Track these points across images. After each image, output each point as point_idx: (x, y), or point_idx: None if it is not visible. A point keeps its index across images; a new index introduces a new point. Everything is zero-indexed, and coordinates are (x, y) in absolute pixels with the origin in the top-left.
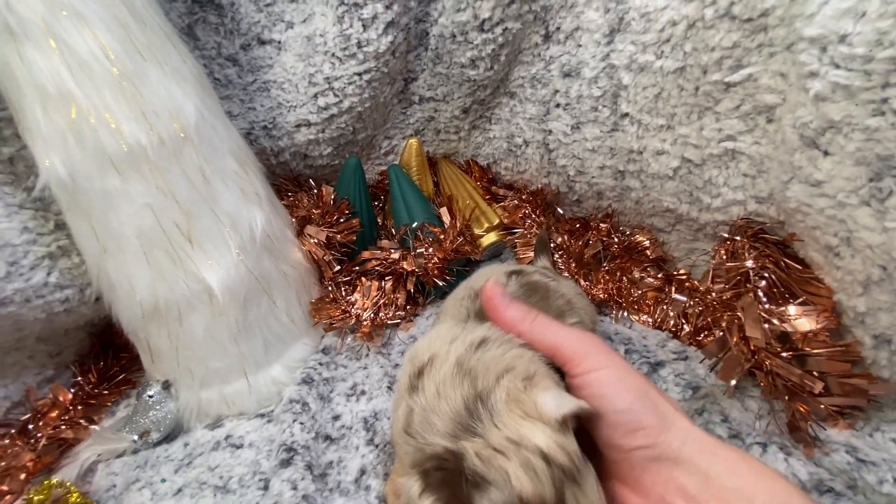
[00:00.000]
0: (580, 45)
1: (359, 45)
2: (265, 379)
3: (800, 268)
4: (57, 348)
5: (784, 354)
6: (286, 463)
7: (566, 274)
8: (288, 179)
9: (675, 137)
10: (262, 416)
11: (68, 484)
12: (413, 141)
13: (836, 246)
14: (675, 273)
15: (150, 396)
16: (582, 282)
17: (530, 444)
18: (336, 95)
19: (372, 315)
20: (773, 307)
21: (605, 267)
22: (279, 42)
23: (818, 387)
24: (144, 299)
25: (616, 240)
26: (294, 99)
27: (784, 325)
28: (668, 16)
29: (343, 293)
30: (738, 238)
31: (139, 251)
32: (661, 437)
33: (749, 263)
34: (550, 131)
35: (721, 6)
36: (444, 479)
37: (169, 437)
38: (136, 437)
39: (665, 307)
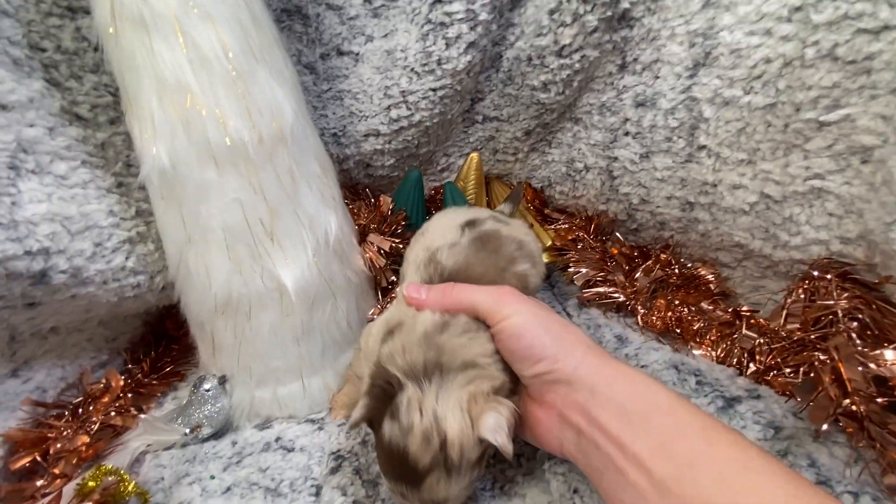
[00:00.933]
0: (658, 77)
1: (438, 63)
2: (318, 383)
3: (894, 311)
4: (113, 333)
5: (879, 400)
6: (335, 470)
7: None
8: (345, 188)
9: (756, 173)
10: (313, 422)
11: (122, 472)
12: (474, 155)
13: None
14: (740, 309)
15: (207, 390)
16: (640, 309)
17: (442, 429)
18: (409, 109)
19: None
20: (866, 350)
21: (668, 297)
22: (357, 54)
23: None
24: (219, 292)
25: (676, 271)
26: (367, 109)
27: (881, 369)
28: (762, 53)
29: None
30: (827, 276)
31: (222, 244)
32: (557, 364)
33: (843, 303)
34: (616, 158)
35: (824, 47)
36: (380, 396)
37: (217, 434)
38: (188, 431)
39: (729, 343)
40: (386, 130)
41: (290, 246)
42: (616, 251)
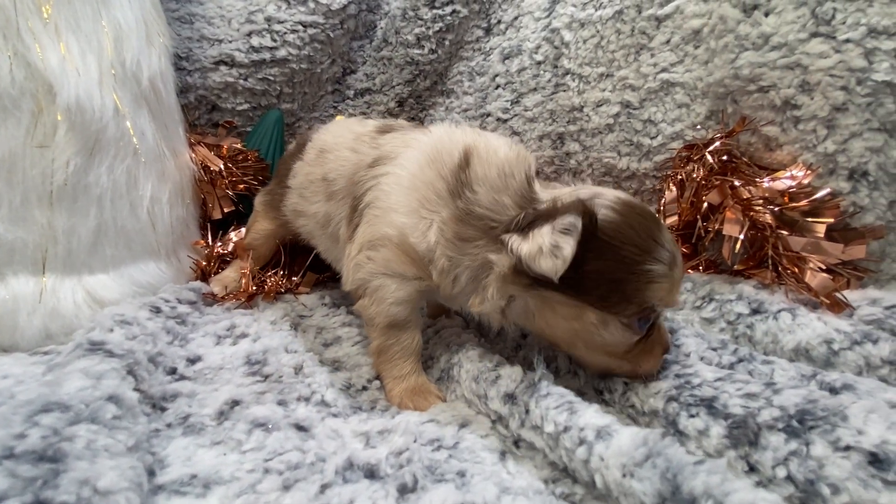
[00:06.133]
0: (520, 29)
1: None
2: (74, 289)
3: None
4: None
5: (784, 232)
6: (87, 349)
7: None
8: None
9: (615, 83)
10: (46, 354)
11: None
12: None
13: (792, 97)
14: None
15: None
16: None
17: None
18: (274, 39)
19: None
20: (751, 188)
21: None
22: None
23: (839, 249)
24: None
25: None
26: (222, 34)
27: (770, 185)
28: None
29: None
30: (690, 152)
31: None
32: None
33: (716, 144)
34: (488, 114)
35: None
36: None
37: None
38: None
39: None
40: (243, 59)
41: (74, 44)
42: None
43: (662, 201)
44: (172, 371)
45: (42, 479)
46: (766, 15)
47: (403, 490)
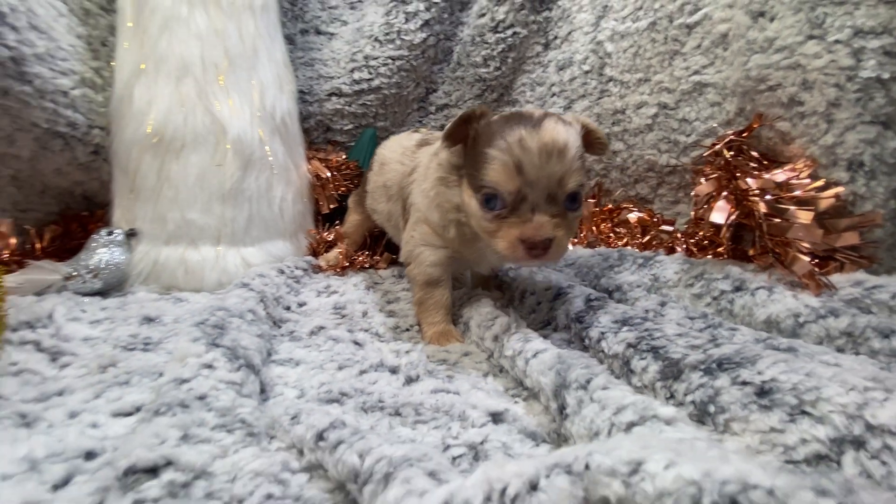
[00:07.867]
0: (572, 43)
1: (398, 34)
2: (235, 256)
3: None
4: (26, 202)
5: (768, 197)
6: (240, 286)
7: None
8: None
9: (652, 87)
10: (219, 294)
11: None
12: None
13: (796, 94)
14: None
15: (109, 234)
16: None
17: None
18: (370, 73)
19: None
20: (749, 180)
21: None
22: (333, 34)
23: (819, 234)
24: (157, 122)
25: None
26: (333, 72)
27: (769, 177)
28: None
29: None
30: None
31: (173, 75)
32: None
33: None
34: None
35: None
36: None
37: (105, 293)
38: (71, 271)
39: (652, 235)
40: (348, 91)
41: (237, 98)
42: None
43: (694, 192)
44: (287, 308)
45: (216, 336)
46: (771, 21)
47: (409, 380)
